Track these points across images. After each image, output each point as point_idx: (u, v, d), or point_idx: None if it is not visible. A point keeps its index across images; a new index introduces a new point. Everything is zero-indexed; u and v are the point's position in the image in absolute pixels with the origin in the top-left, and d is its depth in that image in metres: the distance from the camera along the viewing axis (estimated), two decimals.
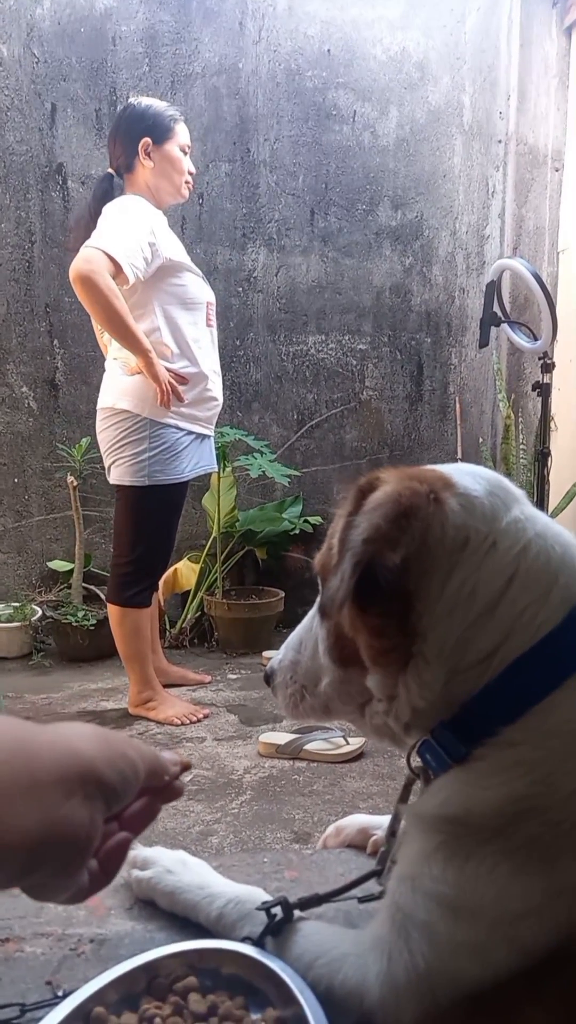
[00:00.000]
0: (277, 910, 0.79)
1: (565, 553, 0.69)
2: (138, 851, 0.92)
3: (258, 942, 0.78)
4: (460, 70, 4.05)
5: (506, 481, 0.74)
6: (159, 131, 2.75)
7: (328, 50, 3.87)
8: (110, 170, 2.81)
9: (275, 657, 0.88)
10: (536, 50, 4.13)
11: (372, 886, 0.83)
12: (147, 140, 2.72)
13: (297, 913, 0.80)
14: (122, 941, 0.84)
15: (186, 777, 2.36)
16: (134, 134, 2.73)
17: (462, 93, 4.07)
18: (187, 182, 2.84)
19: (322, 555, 0.78)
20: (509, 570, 0.67)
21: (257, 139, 3.85)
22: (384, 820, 1.01)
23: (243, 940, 0.79)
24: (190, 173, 2.84)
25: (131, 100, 2.84)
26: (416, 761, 0.74)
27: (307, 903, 0.82)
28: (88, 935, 0.84)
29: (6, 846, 0.46)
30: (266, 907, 0.79)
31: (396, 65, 3.96)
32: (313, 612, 0.83)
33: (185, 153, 2.81)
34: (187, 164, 2.82)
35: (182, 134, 2.81)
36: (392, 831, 0.84)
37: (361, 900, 0.87)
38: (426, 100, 4.02)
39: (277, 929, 0.78)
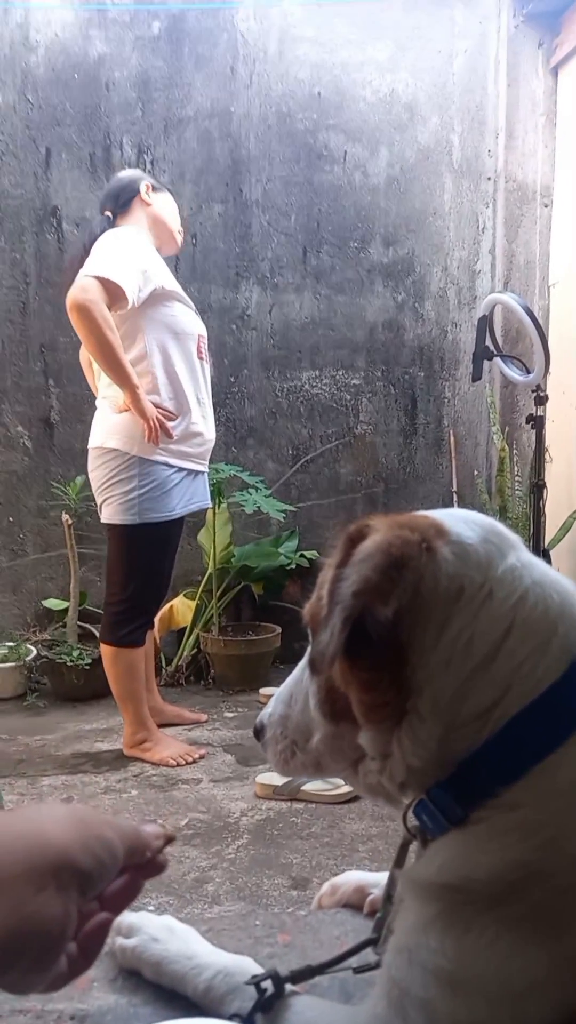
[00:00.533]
0: (267, 984, 0.76)
1: (564, 601, 0.67)
2: (123, 916, 0.89)
3: (248, 1020, 0.75)
4: (449, 110, 4.12)
5: (500, 526, 0.72)
6: (155, 184, 2.85)
7: (318, 92, 3.94)
8: (107, 213, 2.84)
9: (265, 711, 0.86)
10: (523, 89, 4.21)
11: (369, 955, 0.81)
12: (148, 183, 2.78)
13: (289, 986, 0.77)
14: (104, 1018, 0.81)
15: (181, 821, 2.33)
16: (134, 184, 2.80)
17: (451, 132, 4.13)
18: (180, 231, 2.90)
19: (312, 605, 0.75)
20: (506, 620, 0.65)
21: (249, 180, 3.91)
22: (380, 878, 0.98)
23: (232, 1017, 0.76)
24: (183, 228, 2.93)
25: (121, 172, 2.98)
26: (412, 820, 0.72)
27: (299, 976, 0.79)
28: (69, 1011, 0.81)
29: None
30: (256, 981, 0.76)
31: (385, 106, 4.03)
32: (303, 664, 0.80)
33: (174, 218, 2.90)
34: (179, 219, 2.90)
35: (172, 199, 2.92)
36: (388, 895, 0.81)
37: (356, 971, 0.83)
38: (415, 140, 4.08)
39: (268, 1005, 0.75)
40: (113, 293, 2.51)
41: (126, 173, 2.88)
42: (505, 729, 0.64)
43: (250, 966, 0.80)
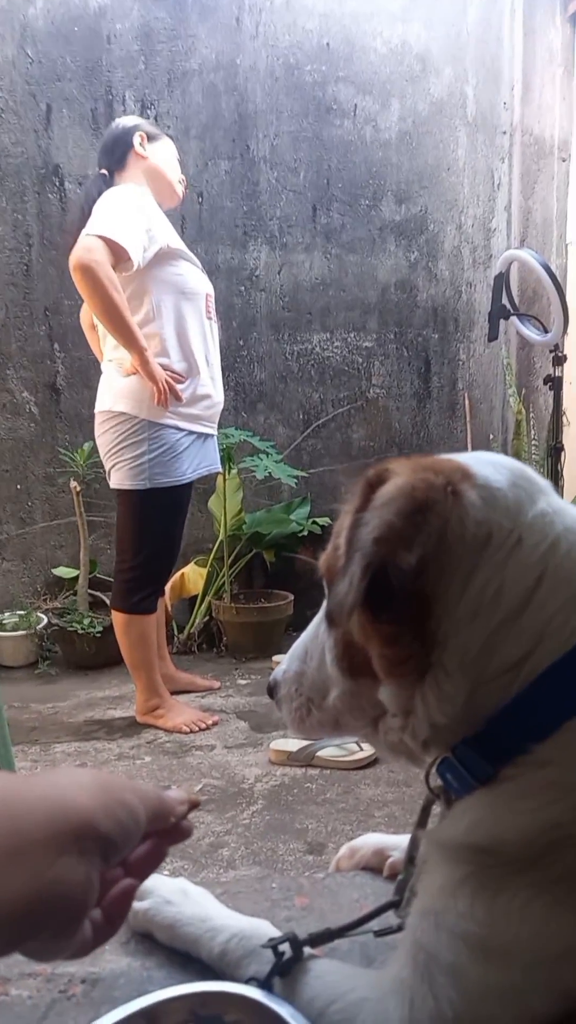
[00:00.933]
0: (285, 947, 0.72)
1: None
2: None
3: (265, 983, 0.71)
4: (463, 61, 3.98)
5: (530, 470, 0.67)
6: (151, 132, 2.74)
7: (327, 44, 3.81)
8: (103, 171, 2.76)
9: (278, 668, 0.81)
10: (540, 39, 4.06)
11: (390, 917, 0.76)
12: (143, 133, 2.68)
13: (308, 949, 0.73)
14: (117, 981, 0.77)
15: (195, 787, 2.30)
16: (128, 135, 2.69)
17: (465, 84, 4.00)
18: (181, 180, 2.79)
19: (328, 556, 0.71)
20: (537, 569, 0.60)
21: (256, 135, 3.79)
22: (401, 840, 0.94)
23: (248, 981, 0.72)
24: (183, 179, 2.81)
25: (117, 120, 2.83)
26: (435, 780, 0.68)
27: (318, 939, 0.75)
28: (80, 975, 0.77)
29: None
30: (273, 944, 0.72)
31: (397, 58, 3.90)
32: (319, 619, 0.76)
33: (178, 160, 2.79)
34: (178, 169, 2.79)
35: (171, 145, 2.79)
36: (411, 857, 0.77)
37: (378, 934, 0.79)
38: (428, 92, 3.95)
39: (286, 969, 0.71)
40: (118, 254, 2.44)
41: (120, 122, 2.76)
42: (536, 683, 0.59)
43: (267, 929, 0.76)
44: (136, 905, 0.83)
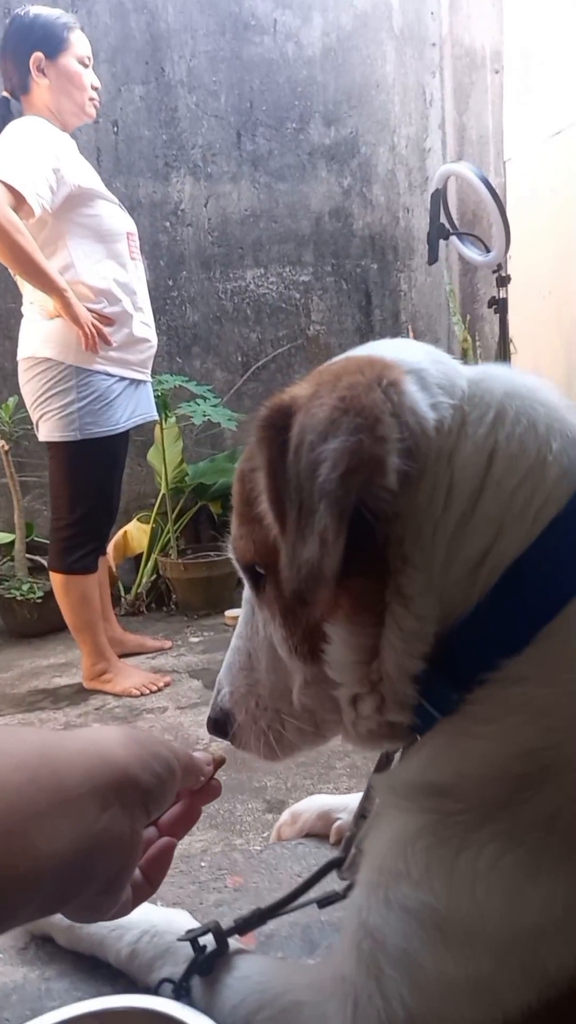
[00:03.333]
0: (208, 939, 0.59)
1: (550, 413, 0.50)
2: None
3: (180, 988, 0.58)
4: None
5: (434, 348, 0.57)
6: (51, 43, 2.46)
7: None
8: (4, 93, 2.53)
9: (218, 696, 0.65)
10: None
11: (335, 882, 0.64)
12: (38, 55, 2.43)
13: (236, 939, 0.60)
14: (8, 998, 0.64)
15: None
16: (24, 49, 2.45)
17: None
18: (91, 99, 2.55)
19: (247, 536, 0.57)
20: (487, 445, 0.48)
21: (171, 57, 3.53)
22: (350, 800, 0.82)
23: (160, 985, 0.59)
24: (94, 88, 2.55)
25: (17, 11, 2.51)
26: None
27: (247, 924, 0.63)
28: None
29: (39, 873, 0.42)
30: (192, 937, 0.60)
31: None
32: (246, 617, 0.63)
33: (85, 65, 2.52)
34: (89, 78, 2.53)
35: (79, 44, 2.52)
36: (363, 812, 0.64)
37: (321, 904, 0.66)
38: (351, 4, 3.72)
39: (206, 967, 0.58)
40: (19, 199, 2.24)
41: (15, 26, 2.47)
42: (500, 584, 0.47)
43: (184, 921, 0.64)
44: None
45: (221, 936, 0.60)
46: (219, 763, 0.60)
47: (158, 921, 0.64)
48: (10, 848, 0.40)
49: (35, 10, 2.50)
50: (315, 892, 0.66)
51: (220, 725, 0.65)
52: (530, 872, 0.46)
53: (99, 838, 0.45)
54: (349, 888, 0.63)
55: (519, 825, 0.47)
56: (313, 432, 0.47)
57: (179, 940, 0.61)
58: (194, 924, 0.62)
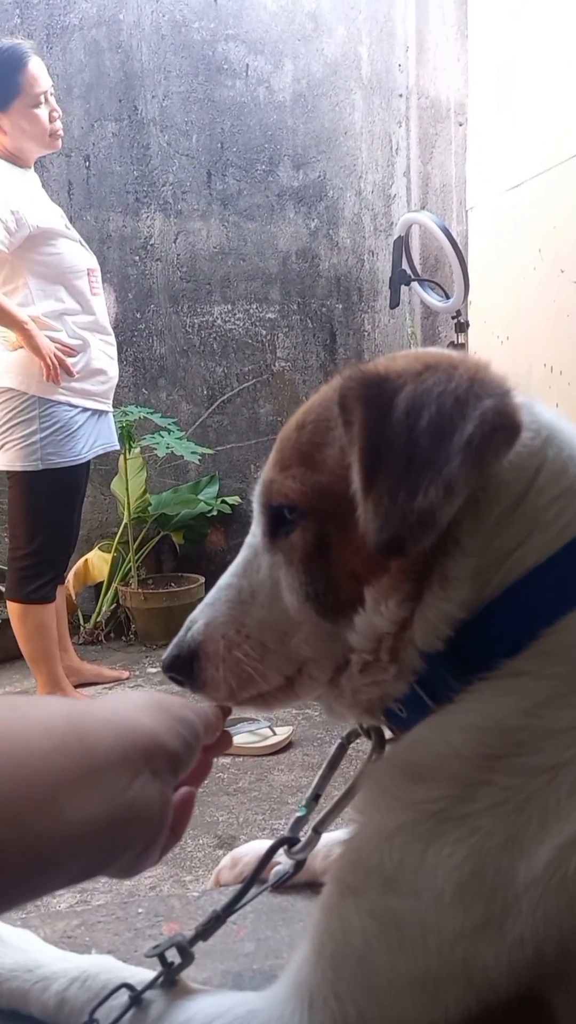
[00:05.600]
0: (173, 954, 0.62)
1: None
2: None
3: (137, 1001, 0.60)
4: (355, 20, 3.86)
5: None
6: (2, 92, 2.41)
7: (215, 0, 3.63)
8: None
9: (188, 632, 0.64)
10: None
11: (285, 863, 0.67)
12: None
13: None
14: None
15: None
16: None
17: (359, 44, 3.89)
18: (55, 131, 2.52)
19: (294, 479, 0.59)
20: (538, 457, 0.54)
21: (144, 96, 3.60)
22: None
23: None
24: (54, 116, 2.50)
25: None
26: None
27: (205, 930, 0.64)
28: None
29: (71, 840, 0.42)
30: (158, 952, 0.61)
31: (288, 15, 3.75)
32: (247, 556, 0.64)
33: (44, 101, 2.46)
34: (45, 112, 2.47)
35: (33, 82, 2.43)
36: (316, 794, 0.68)
37: (275, 888, 0.69)
38: (322, 52, 3.83)
39: (169, 980, 0.60)
40: None
41: None
42: (518, 583, 0.52)
43: (112, 965, 0.64)
44: None
45: (185, 949, 0.62)
46: (226, 714, 0.62)
47: (88, 967, 0.64)
48: (40, 816, 0.40)
49: None
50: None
51: (183, 662, 0.63)
52: (479, 861, 0.48)
53: (131, 805, 0.45)
54: (301, 865, 0.66)
55: (480, 809, 0.49)
56: (447, 396, 0.51)
57: (146, 955, 0.62)
58: (120, 967, 0.63)
